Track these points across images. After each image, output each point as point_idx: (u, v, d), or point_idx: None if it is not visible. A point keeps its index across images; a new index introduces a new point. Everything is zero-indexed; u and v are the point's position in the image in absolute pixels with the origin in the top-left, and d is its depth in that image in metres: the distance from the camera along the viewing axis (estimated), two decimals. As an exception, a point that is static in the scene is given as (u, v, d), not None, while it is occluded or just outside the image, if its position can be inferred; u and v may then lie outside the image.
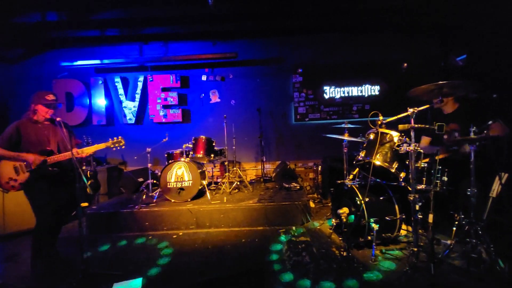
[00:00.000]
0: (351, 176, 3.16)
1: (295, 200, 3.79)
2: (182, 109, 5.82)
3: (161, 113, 5.77)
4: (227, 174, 4.39)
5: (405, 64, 5.57)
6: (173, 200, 4.01)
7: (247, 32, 5.79)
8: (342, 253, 2.65)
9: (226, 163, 4.39)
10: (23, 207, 3.61)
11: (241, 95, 5.92)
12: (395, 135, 2.59)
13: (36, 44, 5.43)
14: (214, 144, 4.33)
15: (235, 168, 4.74)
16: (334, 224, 3.08)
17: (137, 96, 5.80)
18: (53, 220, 2.68)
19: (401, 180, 2.55)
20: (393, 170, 2.54)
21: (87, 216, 3.82)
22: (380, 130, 2.65)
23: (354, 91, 5.77)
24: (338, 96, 5.78)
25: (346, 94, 5.78)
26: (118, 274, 2.52)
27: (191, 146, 4.26)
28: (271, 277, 2.35)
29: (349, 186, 2.86)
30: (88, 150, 2.74)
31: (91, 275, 2.51)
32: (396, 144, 2.55)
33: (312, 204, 4.36)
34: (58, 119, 2.58)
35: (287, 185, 4.59)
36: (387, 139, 2.61)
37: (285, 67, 5.85)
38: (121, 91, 5.78)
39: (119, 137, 2.91)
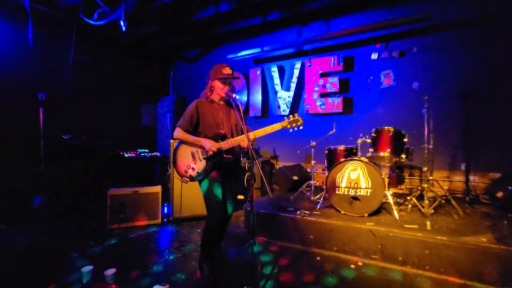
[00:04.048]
0: None
1: None
2: (343, 97, 4.79)
3: (318, 103, 4.98)
4: (425, 185, 2.96)
5: None
6: (342, 212, 3.06)
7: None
8: None
9: (425, 168, 2.98)
10: (196, 193, 3.66)
11: (428, 74, 4.23)
12: None
13: (209, 41, 5.89)
14: (405, 140, 3.03)
15: (431, 178, 3.22)
16: None
17: (293, 85, 5.27)
18: (223, 215, 2.30)
19: None
20: None
21: (246, 212, 3.49)
22: None
23: None
24: None
25: None
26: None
27: (369, 140, 3.15)
28: None
29: None
30: (261, 133, 2.18)
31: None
32: None
33: None
34: (234, 95, 2.13)
35: (539, 217, 2.66)
36: None
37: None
38: (276, 80, 5.42)
39: (295, 114, 2.20)
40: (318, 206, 3.25)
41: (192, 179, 2.23)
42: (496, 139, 3.76)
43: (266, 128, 2.19)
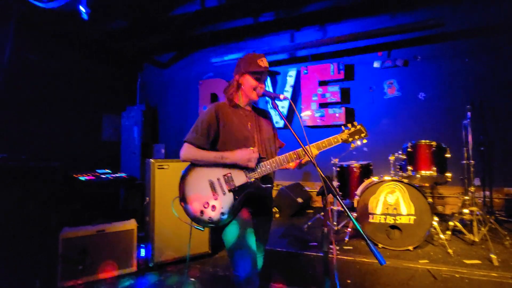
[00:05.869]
0: None
1: None
2: (345, 108, 4.37)
3: (317, 114, 4.50)
4: (474, 209, 2.52)
5: None
6: (380, 245, 2.49)
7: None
8: None
9: (472, 188, 2.56)
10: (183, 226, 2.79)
11: (434, 84, 4.03)
12: None
13: (189, 42, 5.13)
14: (448, 155, 2.60)
15: (467, 197, 2.81)
16: None
17: (286, 94, 4.73)
18: (256, 273, 1.54)
19: None
20: None
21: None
22: None
23: None
24: None
25: None
26: None
27: (403, 157, 2.68)
28: None
29: None
30: (316, 150, 1.51)
31: None
32: None
33: None
34: (282, 95, 1.47)
35: None
36: None
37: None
38: (267, 89, 4.84)
39: (355, 123, 1.58)
40: (347, 238, 2.64)
41: (212, 223, 1.44)
42: (510, 152, 3.61)
43: (319, 143, 1.53)
